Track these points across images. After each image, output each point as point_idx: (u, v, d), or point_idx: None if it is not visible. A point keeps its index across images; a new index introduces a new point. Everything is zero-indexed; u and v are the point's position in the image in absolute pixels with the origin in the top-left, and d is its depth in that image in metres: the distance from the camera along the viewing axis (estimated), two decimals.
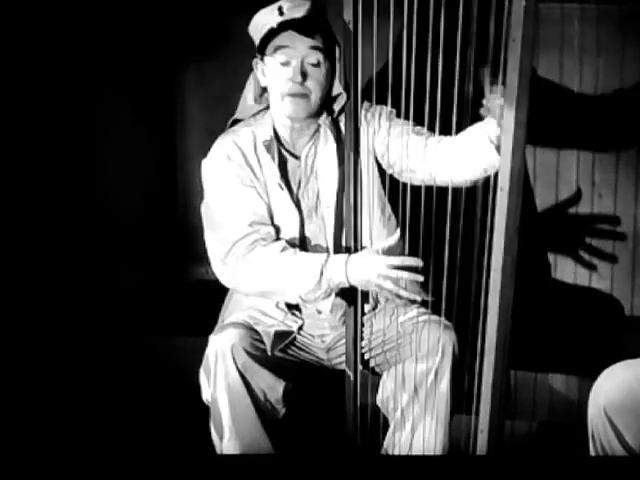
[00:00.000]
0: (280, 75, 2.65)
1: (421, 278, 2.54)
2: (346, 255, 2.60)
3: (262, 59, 2.69)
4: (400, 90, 2.43)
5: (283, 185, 2.71)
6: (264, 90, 2.76)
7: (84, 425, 3.13)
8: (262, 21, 2.66)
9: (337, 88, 2.72)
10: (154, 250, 3.50)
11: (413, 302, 2.68)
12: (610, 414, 2.33)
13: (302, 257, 2.62)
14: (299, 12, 2.62)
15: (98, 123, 3.40)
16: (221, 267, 2.67)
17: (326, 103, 2.72)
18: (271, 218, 2.71)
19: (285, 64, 2.64)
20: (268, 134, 2.73)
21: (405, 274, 2.53)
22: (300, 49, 2.63)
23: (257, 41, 2.68)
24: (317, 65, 2.65)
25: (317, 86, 2.66)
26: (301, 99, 2.65)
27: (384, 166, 2.73)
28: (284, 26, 2.61)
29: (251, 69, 2.76)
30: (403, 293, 2.56)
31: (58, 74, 3.27)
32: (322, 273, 2.59)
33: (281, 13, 2.62)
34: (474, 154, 2.53)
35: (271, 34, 2.63)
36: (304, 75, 2.64)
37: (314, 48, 2.63)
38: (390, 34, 2.43)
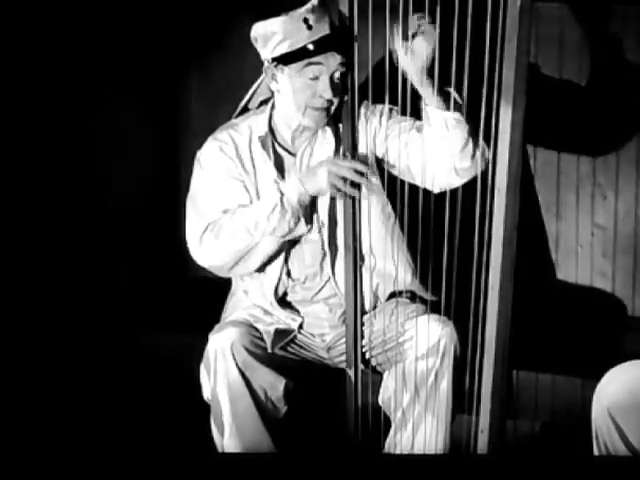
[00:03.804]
0: (306, 88, 2.61)
1: (366, 170, 2.57)
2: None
3: (276, 66, 2.64)
4: (397, 88, 2.44)
5: (279, 181, 2.70)
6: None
7: (85, 424, 3.14)
8: (283, 30, 2.59)
9: None
10: (155, 248, 3.51)
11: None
12: (614, 415, 2.31)
13: (258, 201, 2.67)
14: (325, 23, 2.58)
15: (100, 121, 3.41)
16: (197, 249, 2.71)
17: None
18: None
19: (313, 79, 2.61)
20: (263, 129, 2.73)
21: (357, 164, 2.57)
22: (331, 65, 2.60)
23: (272, 48, 2.62)
24: (340, 77, 2.62)
25: (338, 97, 2.64)
26: (323, 111, 2.65)
27: (387, 168, 2.70)
28: (322, 48, 2.57)
29: (255, 66, 2.74)
30: (359, 167, 2.57)
31: (61, 72, 3.28)
32: (281, 196, 2.61)
33: (309, 27, 2.57)
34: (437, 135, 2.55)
35: (305, 53, 2.59)
36: (334, 91, 2.61)
37: (341, 63, 2.60)
38: (387, 33, 2.43)
